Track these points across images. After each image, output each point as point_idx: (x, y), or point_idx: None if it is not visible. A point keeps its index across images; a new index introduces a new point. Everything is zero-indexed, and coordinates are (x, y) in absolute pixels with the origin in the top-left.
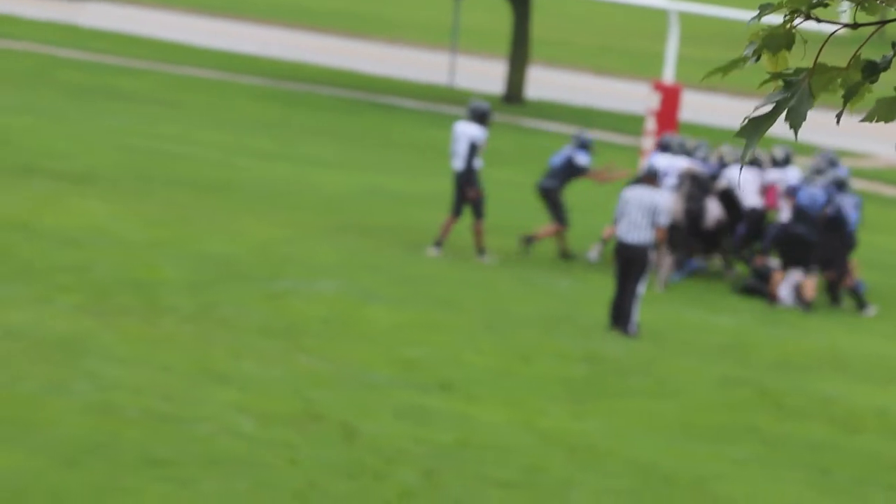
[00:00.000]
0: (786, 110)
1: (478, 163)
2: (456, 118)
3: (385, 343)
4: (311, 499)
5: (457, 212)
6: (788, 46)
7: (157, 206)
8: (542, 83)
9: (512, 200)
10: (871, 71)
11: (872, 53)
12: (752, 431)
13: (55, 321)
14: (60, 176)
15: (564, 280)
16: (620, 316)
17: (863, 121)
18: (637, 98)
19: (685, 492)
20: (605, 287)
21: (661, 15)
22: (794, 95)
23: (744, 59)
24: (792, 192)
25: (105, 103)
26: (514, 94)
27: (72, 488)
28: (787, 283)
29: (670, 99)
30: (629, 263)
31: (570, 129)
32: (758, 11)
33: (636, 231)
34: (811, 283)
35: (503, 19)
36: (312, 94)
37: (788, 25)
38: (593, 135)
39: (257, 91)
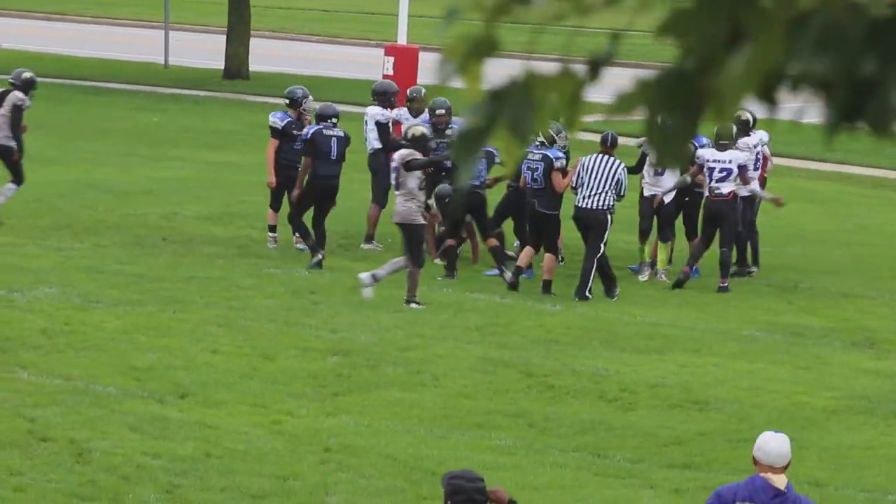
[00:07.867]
0: (510, 125)
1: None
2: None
3: (112, 351)
4: None
5: (379, 198)
6: (490, 54)
7: None
8: (266, 55)
9: (243, 184)
10: (594, 69)
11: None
12: (518, 416)
13: None
14: None
15: (304, 269)
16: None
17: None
18: (372, 64)
19: None
20: (346, 270)
21: None
22: (512, 106)
23: (443, 80)
24: None
25: None
26: (235, 68)
27: None
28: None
29: (406, 62)
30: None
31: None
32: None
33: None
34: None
35: None
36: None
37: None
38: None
39: None
